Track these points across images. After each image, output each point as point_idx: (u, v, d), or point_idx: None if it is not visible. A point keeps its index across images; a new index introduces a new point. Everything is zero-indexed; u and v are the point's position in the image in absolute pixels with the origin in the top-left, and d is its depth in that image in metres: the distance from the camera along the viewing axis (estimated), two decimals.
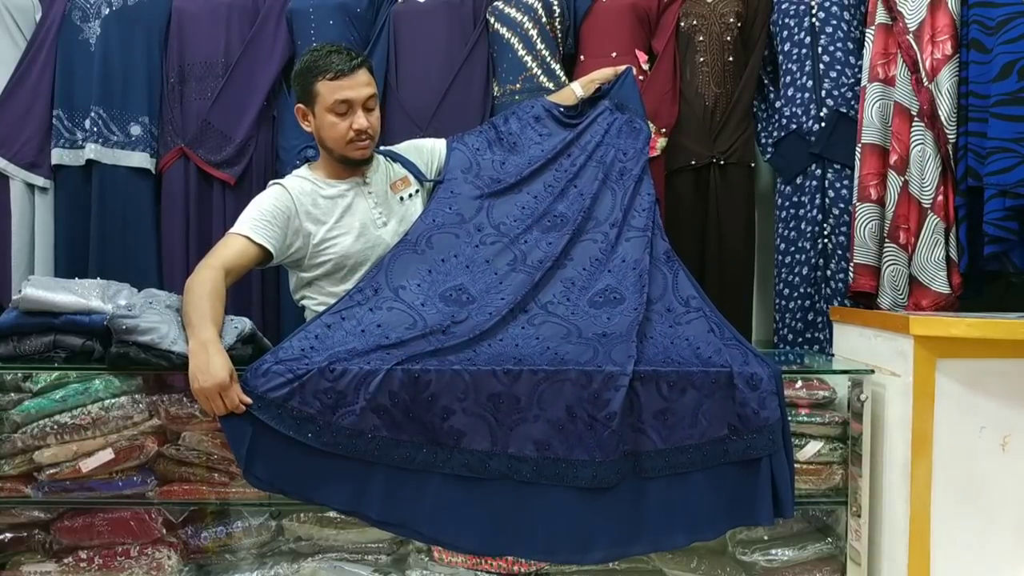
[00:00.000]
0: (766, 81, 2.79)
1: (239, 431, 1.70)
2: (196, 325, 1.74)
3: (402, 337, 1.79)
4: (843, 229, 2.53)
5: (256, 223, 1.98)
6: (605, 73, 2.37)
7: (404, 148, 2.29)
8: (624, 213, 2.07)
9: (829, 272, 2.56)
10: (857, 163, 2.42)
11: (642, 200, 2.10)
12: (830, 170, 2.57)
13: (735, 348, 1.81)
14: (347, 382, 1.69)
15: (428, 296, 1.92)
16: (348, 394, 1.69)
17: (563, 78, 2.73)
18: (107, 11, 2.77)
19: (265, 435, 1.70)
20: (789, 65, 2.65)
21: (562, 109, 2.32)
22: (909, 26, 2.28)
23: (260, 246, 1.97)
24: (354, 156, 2.07)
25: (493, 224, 2.09)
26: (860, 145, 2.41)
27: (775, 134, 2.70)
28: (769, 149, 2.74)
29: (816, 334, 2.58)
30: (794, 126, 2.62)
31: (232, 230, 1.98)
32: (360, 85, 2.03)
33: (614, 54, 2.72)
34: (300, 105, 2.09)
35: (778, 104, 2.69)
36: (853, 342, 2.19)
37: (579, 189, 2.14)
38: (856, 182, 2.43)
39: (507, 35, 2.73)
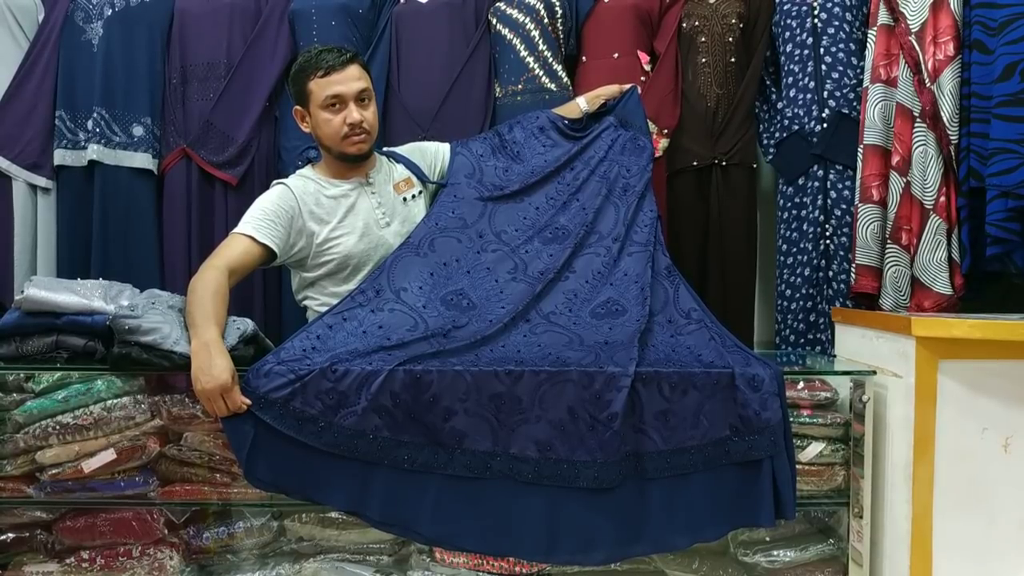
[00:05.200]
0: (768, 82, 2.79)
1: (241, 432, 1.70)
2: (199, 325, 1.74)
3: (403, 339, 1.79)
4: (845, 230, 2.53)
5: (260, 223, 1.98)
6: (610, 90, 2.37)
7: (407, 150, 2.29)
8: (627, 228, 2.08)
9: (831, 273, 2.56)
10: (859, 164, 2.42)
11: (644, 216, 2.11)
12: (832, 171, 2.57)
13: (737, 353, 1.81)
14: (349, 382, 1.69)
15: (429, 299, 1.92)
16: (350, 394, 1.69)
17: (565, 79, 2.73)
18: (109, 12, 2.77)
19: (267, 436, 1.70)
20: (791, 66, 2.65)
21: (566, 122, 2.33)
22: (911, 27, 2.28)
23: (264, 246, 1.97)
24: (351, 151, 2.07)
25: (495, 232, 2.10)
26: (862, 146, 2.41)
27: (777, 135, 2.70)
28: (771, 150, 2.74)
29: (818, 335, 2.58)
30: (796, 127, 2.62)
31: (236, 230, 1.98)
32: (351, 79, 2.03)
33: (616, 55, 2.73)
34: (297, 107, 2.10)
35: (780, 105, 2.70)
36: (855, 343, 2.19)
37: (582, 203, 2.14)
38: (858, 183, 2.43)
39: (509, 36, 2.74)
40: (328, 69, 2.01)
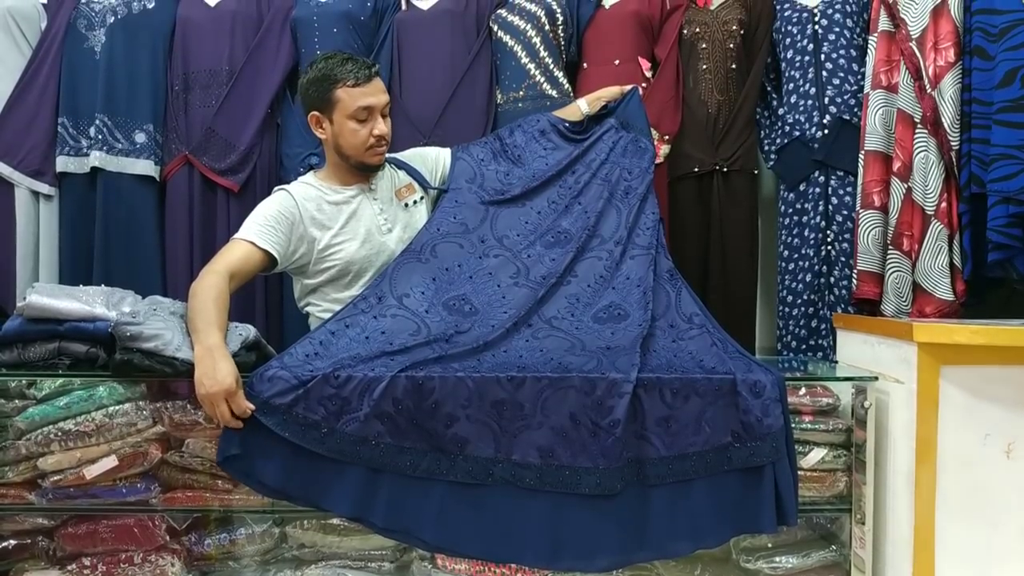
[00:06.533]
0: (769, 88, 2.79)
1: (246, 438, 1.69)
2: (201, 331, 1.74)
3: (406, 344, 1.79)
4: (846, 236, 2.53)
5: (261, 228, 1.99)
6: (611, 91, 2.37)
7: (409, 156, 2.29)
8: (629, 231, 2.07)
9: (832, 279, 2.56)
10: (860, 170, 2.43)
11: (646, 219, 2.11)
12: (833, 177, 2.57)
13: (738, 359, 1.81)
14: (351, 388, 1.69)
15: (432, 303, 1.93)
16: (352, 400, 1.69)
17: (566, 86, 2.73)
18: (112, 19, 2.78)
19: (270, 441, 1.69)
20: (792, 72, 2.66)
21: (567, 124, 2.32)
22: (912, 33, 2.28)
23: (265, 251, 1.97)
24: (372, 162, 2.09)
25: (496, 237, 2.09)
26: (863, 152, 2.41)
27: (778, 141, 2.71)
28: (772, 156, 2.75)
29: (820, 341, 2.58)
30: (797, 133, 2.63)
31: (237, 235, 1.99)
32: (379, 91, 2.07)
33: (617, 62, 2.73)
34: (315, 112, 2.09)
35: (781, 111, 2.70)
36: (857, 349, 2.19)
37: (583, 206, 2.14)
38: (859, 189, 2.44)
39: (510, 43, 2.74)
40: (358, 80, 2.03)
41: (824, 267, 2.58)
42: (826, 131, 2.58)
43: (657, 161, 2.56)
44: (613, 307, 1.94)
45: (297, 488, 1.73)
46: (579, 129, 2.32)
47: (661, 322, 1.92)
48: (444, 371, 1.71)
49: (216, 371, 1.66)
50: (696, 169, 2.71)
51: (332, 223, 2.08)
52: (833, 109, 2.57)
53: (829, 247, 2.57)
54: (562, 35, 2.76)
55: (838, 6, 2.59)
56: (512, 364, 1.75)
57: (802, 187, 2.63)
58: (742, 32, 2.73)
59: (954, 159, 2.20)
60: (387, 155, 2.27)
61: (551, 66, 2.73)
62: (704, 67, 2.73)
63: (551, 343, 1.84)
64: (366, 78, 2.04)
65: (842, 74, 2.57)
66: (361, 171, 2.12)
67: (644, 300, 1.93)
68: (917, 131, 2.26)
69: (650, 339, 1.85)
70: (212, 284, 1.83)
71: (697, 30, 2.74)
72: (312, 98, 2.08)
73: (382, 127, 2.07)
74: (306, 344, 1.79)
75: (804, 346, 2.60)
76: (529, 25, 2.72)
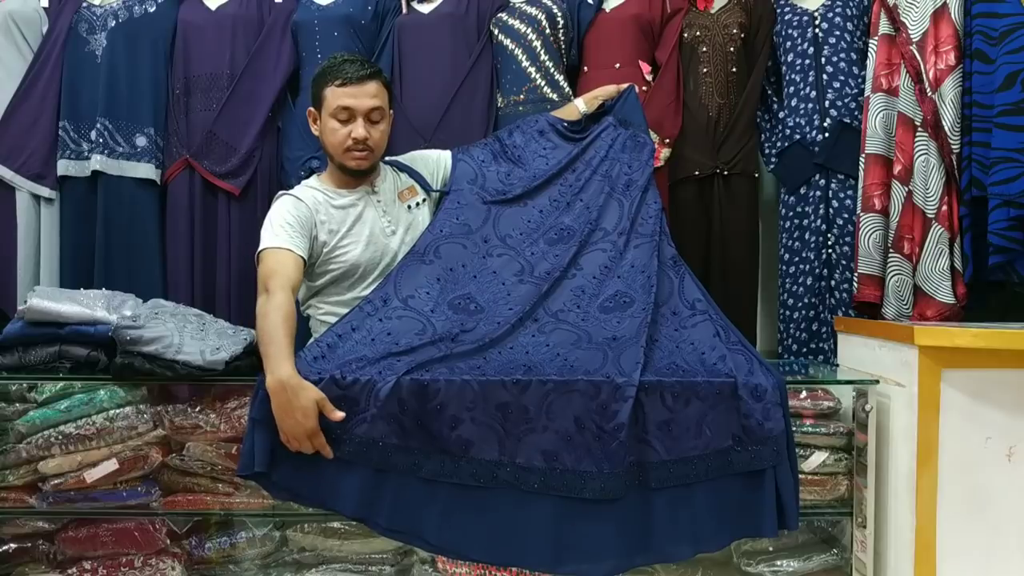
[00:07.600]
0: (769, 92, 2.79)
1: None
2: (273, 357, 1.69)
3: (411, 343, 1.79)
4: (847, 239, 2.53)
5: (291, 236, 1.96)
6: (608, 90, 2.37)
7: (410, 158, 2.30)
8: (632, 221, 2.07)
9: (833, 282, 2.56)
10: (861, 173, 2.43)
11: (648, 208, 2.11)
12: (834, 180, 2.57)
13: (740, 354, 1.80)
14: (358, 390, 1.69)
15: (437, 303, 1.93)
16: (360, 401, 1.69)
17: (567, 89, 2.73)
18: (113, 23, 2.78)
19: (278, 442, 1.69)
20: (792, 76, 2.66)
21: (566, 124, 2.33)
22: (912, 36, 2.29)
23: (301, 258, 1.96)
24: (349, 165, 2.08)
25: (499, 236, 2.10)
26: (864, 155, 2.42)
27: (779, 144, 2.71)
28: (772, 159, 2.74)
29: (820, 344, 2.58)
30: (797, 136, 2.63)
31: (276, 246, 1.94)
32: (365, 95, 2.04)
33: (617, 65, 2.73)
34: (311, 108, 2.12)
35: (781, 115, 2.70)
36: (858, 352, 2.19)
37: (585, 202, 2.14)
38: (860, 192, 2.44)
39: (511, 46, 2.74)
40: (345, 80, 2.03)
41: (825, 270, 2.58)
42: (827, 134, 2.58)
43: (657, 164, 2.56)
44: (619, 295, 1.94)
45: (304, 488, 1.72)
46: (578, 128, 2.33)
47: (664, 309, 1.91)
48: (450, 372, 1.71)
49: (295, 411, 1.64)
50: (697, 172, 2.71)
51: (339, 226, 2.08)
52: (834, 112, 2.57)
53: (830, 250, 2.57)
54: (563, 39, 2.76)
55: (839, 9, 2.60)
56: (518, 361, 1.75)
57: (803, 190, 2.63)
58: (743, 36, 2.73)
59: (955, 162, 2.20)
60: (388, 158, 2.28)
61: (552, 70, 2.73)
62: (705, 71, 2.73)
63: (557, 337, 1.84)
64: (356, 80, 2.03)
65: (843, 77, 2.57)
66: (344, 173, 2.12)
67: (648, 284, 1.92)
68: (918, 134, 2.26)
69: (653, 327, 1.84)
70: (282, 303, 1.79)
71: (698, 33, 2.74)
72: (311, 94, 2.12)
73: (360, 131, 2.04)
74: (313, 348, 1.79)
75: (805, 349, 2.59)
76: (530, 29, 2.73)
